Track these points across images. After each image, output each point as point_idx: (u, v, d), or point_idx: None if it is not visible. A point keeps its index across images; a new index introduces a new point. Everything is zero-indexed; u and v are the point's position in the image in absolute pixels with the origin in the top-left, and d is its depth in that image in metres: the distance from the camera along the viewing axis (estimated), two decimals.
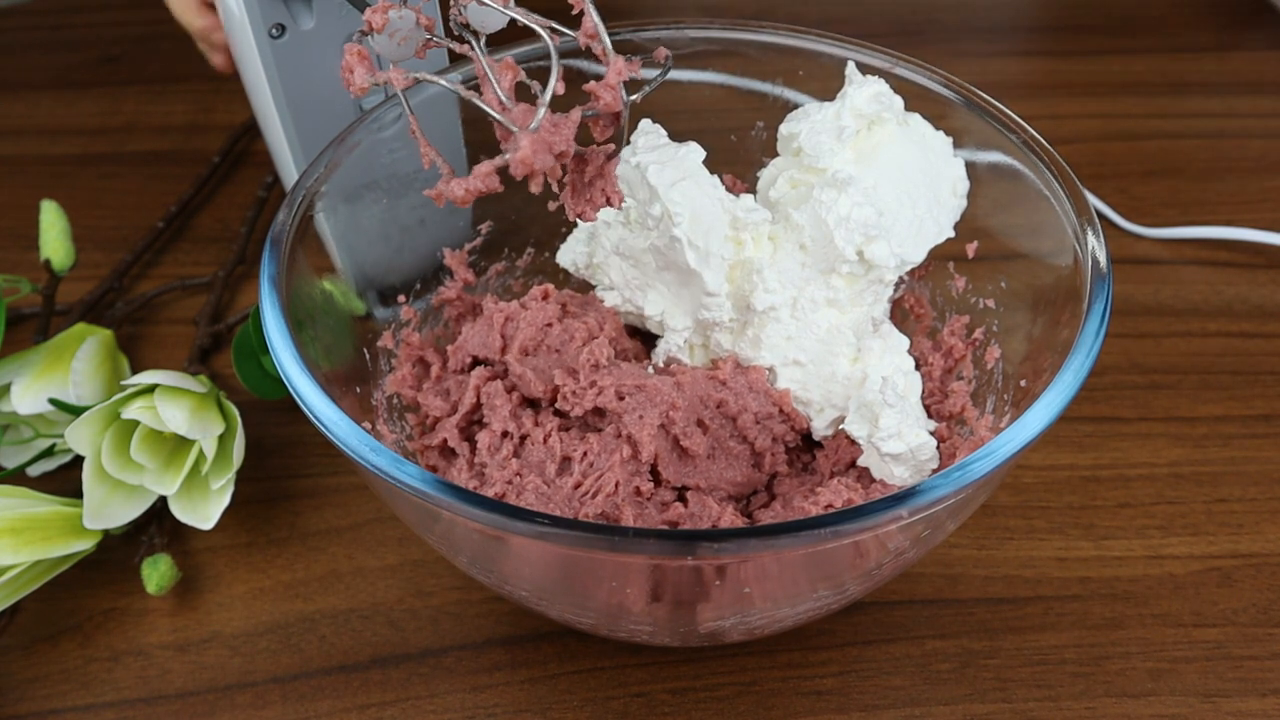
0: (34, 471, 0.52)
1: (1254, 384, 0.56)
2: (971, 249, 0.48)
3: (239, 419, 0.49)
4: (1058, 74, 0.76)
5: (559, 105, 0.35)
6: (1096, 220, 0.41)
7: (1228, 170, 0.69)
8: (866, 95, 0.45)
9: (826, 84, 0.49)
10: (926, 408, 0.46)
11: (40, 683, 0.46)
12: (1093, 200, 0.63)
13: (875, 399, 0.43)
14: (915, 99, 0.47)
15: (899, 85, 0.47)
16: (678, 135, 0.47)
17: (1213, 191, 0.68)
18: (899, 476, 0.44)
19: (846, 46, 0.49)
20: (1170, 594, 0.48)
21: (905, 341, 0.46)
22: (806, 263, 0.44)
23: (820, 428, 0.46)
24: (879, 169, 0.44)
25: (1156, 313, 0.60)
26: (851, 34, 0.51)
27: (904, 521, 0.33)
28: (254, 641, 0.47)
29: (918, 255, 0.45)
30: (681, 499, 0.44)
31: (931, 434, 0.44)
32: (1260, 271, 0.63)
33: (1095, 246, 0.40)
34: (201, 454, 0.47)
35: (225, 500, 0.47)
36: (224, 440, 0.48)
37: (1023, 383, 0.43)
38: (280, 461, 0.54)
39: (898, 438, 0.42)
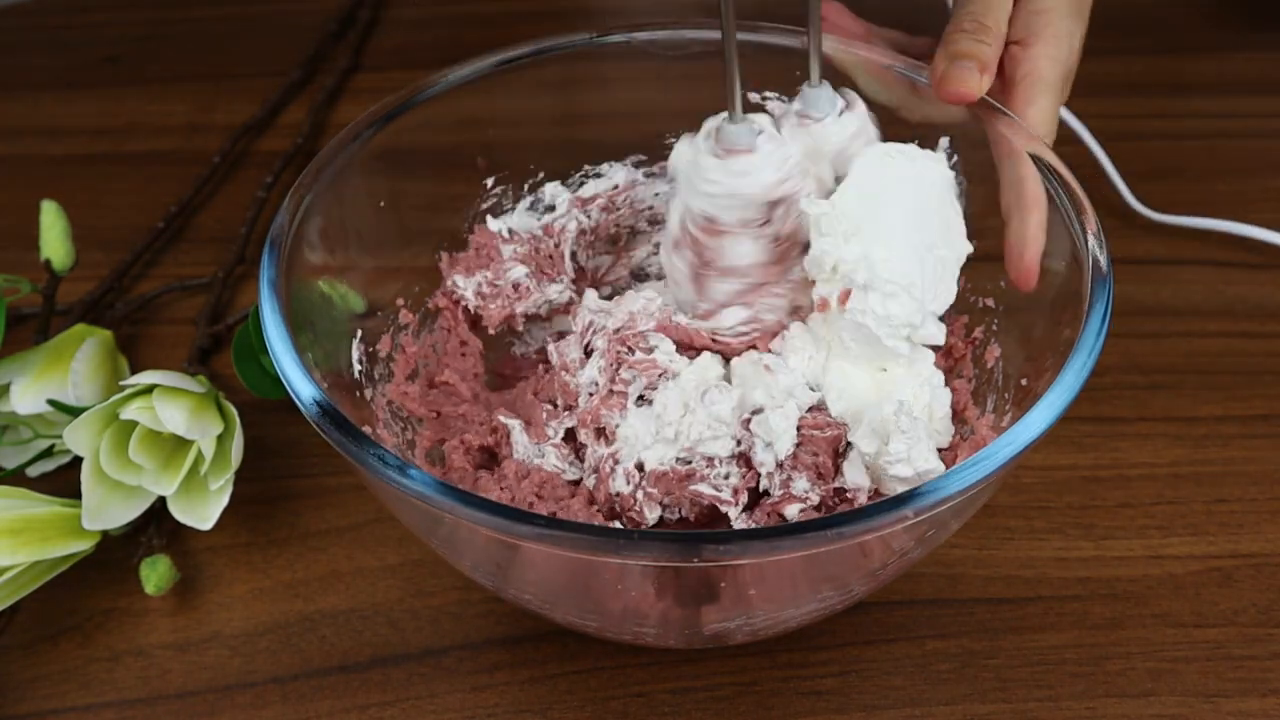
0: (33, 472, 0.52)
1: (1254, 384, 0.56)
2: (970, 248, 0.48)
3: (238, 419, 0.49)
4: None
5: None
6: (1097, 221, 0.41)
7: (1228, 170, 0.69)
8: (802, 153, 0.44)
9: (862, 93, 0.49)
10: None
11: (40, 683, 0.46)
12: (1115, 179, 0.64)
13: (889, 420, 0.42)
14: (960, 122, 0.47)
15: (898, 82, 0.47)
16: (676, 137, 0.47)
17: (1213, 192, 0.67)
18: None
19: (847, 46, 0.49)
20: (1170, 594, 0.48)
21: (930, 355, 0.45)
22: (861, 358, 0.44)
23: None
24: (883, 230, 0.43)
25: (1157, 312, 0.60)
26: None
27: (908, 522, 0.33)
28: (254, 641, 0.47)
29: (953, 293, 0.44)
30: None
31: (944, 450, 0.44)
32: (1260, 271, 0.63)
33: (1095, 247, 0.40)
34: (200, 454, 0.47)
35: (224, 500, 0.47)
36: (222, 440, 0.48)
37: (1024, 382, 0.43)
38: (280, 461, 0.54)
39: (905, 463, 0.42)
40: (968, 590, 0.48)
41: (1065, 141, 0.46)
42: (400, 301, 0.49)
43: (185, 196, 0.68)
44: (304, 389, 0.36)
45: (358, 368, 0.45)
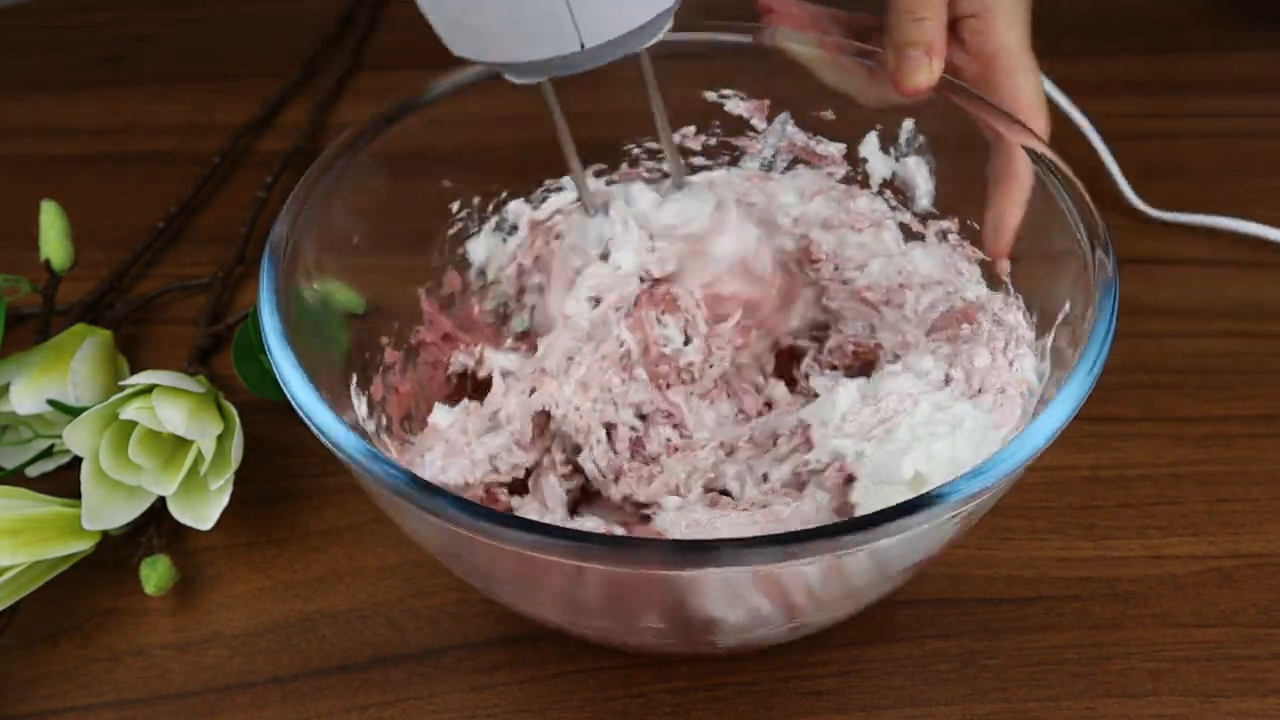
0: (33, 472, 0.52)
1: (1256, 384, 0.56)
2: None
3: (237, 419, 0.49)
4: (1057, 74, 0.76)
5: None
6: (1104, 227, 0.40)
7: (1228, 170, 0.69)
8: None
9: (821, 83, 0.49)
10: None
11: (40, 683, 0.46)
12: (1116, 176, 0.64)
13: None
14: (923, 103, 0.47)
15: (855, 69, 0.48)
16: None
17: (1212, 191, 0.67)
18: None
19: (802, 38, 0.49)
20: (1171, 594, 0.48)
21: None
22: None
23: None
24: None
25: (1158, 312, 0.60)
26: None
27: (919, 529, 0.33)
28: (254, 641, 0.47)
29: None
30: None
31: None
32: (1262, 271, 0.63)
33: (1101, 252, 0.40)
34: (200, 454, 0.47)
35: (224, 500, 0.47)
36: (222, 440, 0.48)
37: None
38: (280, 461, 0.54)
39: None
40: (968, 590, 0.48)
41: (1067, 139, 0.46)
42: (384, 340, 0.48)
43: (185, 196, 0.68)
44: (345, 440, 0.35)
45: (361, 414, 0.44)
